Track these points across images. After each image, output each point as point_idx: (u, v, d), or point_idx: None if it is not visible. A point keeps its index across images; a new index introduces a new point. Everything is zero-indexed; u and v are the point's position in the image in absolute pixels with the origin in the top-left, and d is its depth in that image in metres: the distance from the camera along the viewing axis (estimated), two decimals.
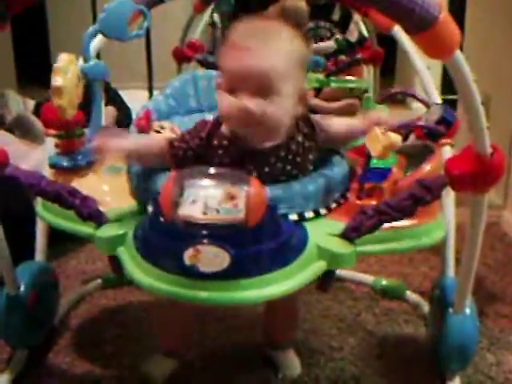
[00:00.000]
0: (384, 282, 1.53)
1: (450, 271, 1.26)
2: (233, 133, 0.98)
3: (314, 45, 2.14)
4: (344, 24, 2.66)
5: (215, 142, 0.99)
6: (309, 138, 1.01)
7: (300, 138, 1.00)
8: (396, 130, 1.00)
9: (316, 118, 1.04)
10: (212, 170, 0.87)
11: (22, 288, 1.19)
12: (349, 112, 3.12)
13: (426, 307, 1.40)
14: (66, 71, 1.01)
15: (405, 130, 1.12)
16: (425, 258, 1.68)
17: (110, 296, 1.51)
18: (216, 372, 1.23)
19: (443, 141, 1.16)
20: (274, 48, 0.93)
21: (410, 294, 1.49)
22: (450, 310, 1.15)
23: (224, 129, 1.00)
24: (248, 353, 1.28)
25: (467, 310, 1.14)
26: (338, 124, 1.06)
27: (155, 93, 1.31)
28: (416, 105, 3.11)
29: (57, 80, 1.00)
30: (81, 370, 1.23)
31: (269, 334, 1.26)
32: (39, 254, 1.31)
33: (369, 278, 1.56)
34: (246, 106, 0.91)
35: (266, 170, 0.97)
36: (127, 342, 1.32)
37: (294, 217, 0.94)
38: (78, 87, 1.07)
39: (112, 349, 1.30)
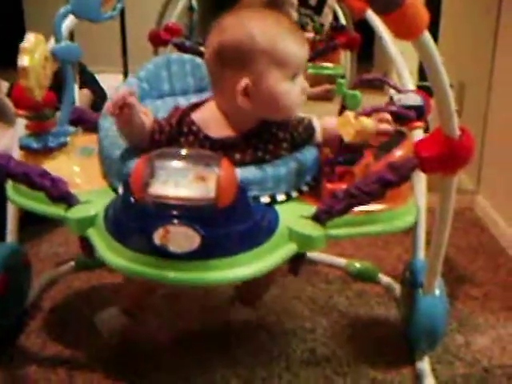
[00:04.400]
0: (357, 265, 1.55)
1: (421, 253, 1.28)
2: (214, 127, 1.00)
3: None
4: (320, 8, 2.66)
5: (185, 129, 1.00)
6: (283, 129, 1.02)
7: (274, 129, 1.01)
8: (368, 114, 1.01)
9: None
10: (183, 152, 0.87)
11: None
12: (325, 97, 3.14)
13: (397, 289, 1.42)
14: (32, 51, 1.00)
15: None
16: (399, 241, 1.70)
17: (83, 278, 1.50)
18: (188, 353, 1.24)
19: (415, 124, 1.17)
20: None
21: (383, 277, 1.51)
22: (420, 291, 1.17)
23: (195, 116, 1.01)
24: (220, 334, 1.29)
25: (437, 291, 1.16)
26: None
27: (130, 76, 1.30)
28: (392, 91, 3.12)
29: (23, 60, 0.99)
30: (53, 351, 1.23)
31: (240, 291, 1.29)
32: (10, 236, 1.29)
33: (342, 261, 1.58)
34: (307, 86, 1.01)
35: (237, 156, 0.98)
36: None
37: (265, 199, 0.95)
38: (46, 68, 1.06)
39: (85, 331, 1.29)
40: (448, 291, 1.23)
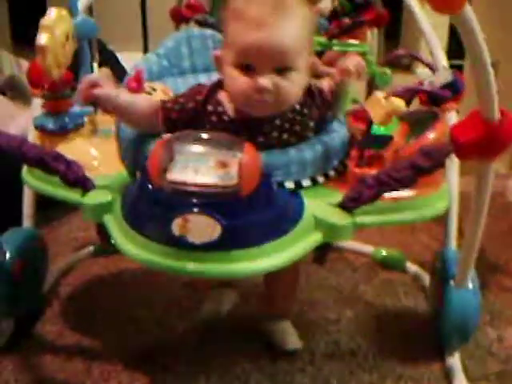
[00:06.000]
0: (384, 253, 1.50)
1: (452, 243, 1.22)
2: (236, 108, 0.93)
3: None
4: None
5: (210, 108, 0.94)
6: (308, 106, 0.96)
7: (298, 106, 0.94)
8: (399, 94, 0.96)
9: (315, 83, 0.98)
10: (204, 135, 0.82)
11: (8, 256, 1.15)
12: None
13: (426, 279, 1.37)
14: (52, 28, 0.95)
15: (408, 94, 1.08)
16: (426, 228, 1.64)
17: (101, 263, 1.47)
18: (208, 345, 1.20)
19: (448, 106, 1.11)
20: (292, 23, 0.87)
21: (411, 266, 1.46)
22: (452, 283, 1.11)
23: (221, 96, 0.95)
24: (242, 326, 1.25)
25: (470, 285, 1.10)
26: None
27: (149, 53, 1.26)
28: (421, 70, 3.04)
29: (41, 38, 0.93)
30: (69, 340, 1.20)
31: (267, 304, 1.22)
32: (26, 220, 1.26)
33: (368, 248, 1.52)
34: (265, 87, 0.86)
35: (261, 139, 0.91)
36: (118, 311, 1.29)
37: (290, 185, 0.90)
38: (66, 46, 1.00)
39: (102, 317, 1.27)
40: (479, 282, 1.17)
